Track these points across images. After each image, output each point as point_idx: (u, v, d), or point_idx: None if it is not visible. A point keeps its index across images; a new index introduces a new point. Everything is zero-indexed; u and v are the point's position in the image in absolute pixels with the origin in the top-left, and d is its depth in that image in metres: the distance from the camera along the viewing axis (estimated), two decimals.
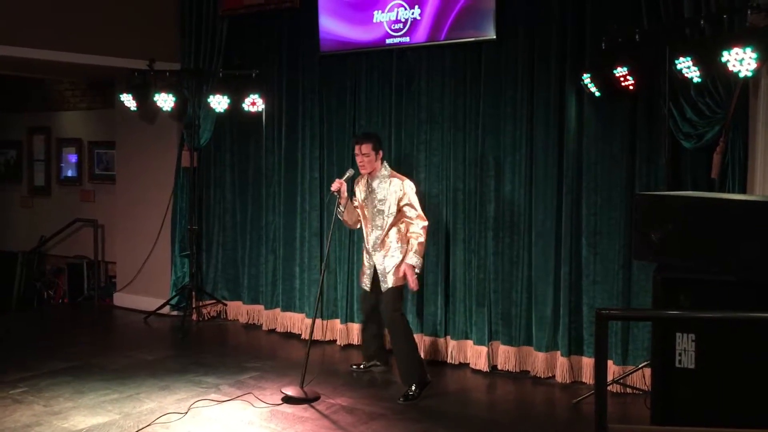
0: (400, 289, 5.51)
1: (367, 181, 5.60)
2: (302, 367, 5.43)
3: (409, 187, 5.49)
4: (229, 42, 7.52)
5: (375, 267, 5.57)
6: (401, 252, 5.45)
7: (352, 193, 5.80)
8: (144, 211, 8.18)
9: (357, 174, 5.71)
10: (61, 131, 9.77)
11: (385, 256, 5.49)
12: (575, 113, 5.74)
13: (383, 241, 5.50)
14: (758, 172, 4.71)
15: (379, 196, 5.51)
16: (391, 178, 5.51)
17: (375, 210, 5.52)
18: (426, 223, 5.45)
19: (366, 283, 5.70)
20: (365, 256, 5.70)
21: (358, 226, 5.78)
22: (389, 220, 5.46)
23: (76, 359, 6.28)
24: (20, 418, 4.98)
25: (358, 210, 5.69)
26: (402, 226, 5.50)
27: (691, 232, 3.18)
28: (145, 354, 6.51)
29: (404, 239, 5.48)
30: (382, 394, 5.49)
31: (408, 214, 5.42)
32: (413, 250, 5.36)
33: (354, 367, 6.08)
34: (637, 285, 5.51)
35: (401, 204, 5.44)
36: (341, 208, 5.61)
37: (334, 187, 5.54)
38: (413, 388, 5.36)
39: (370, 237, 5.58)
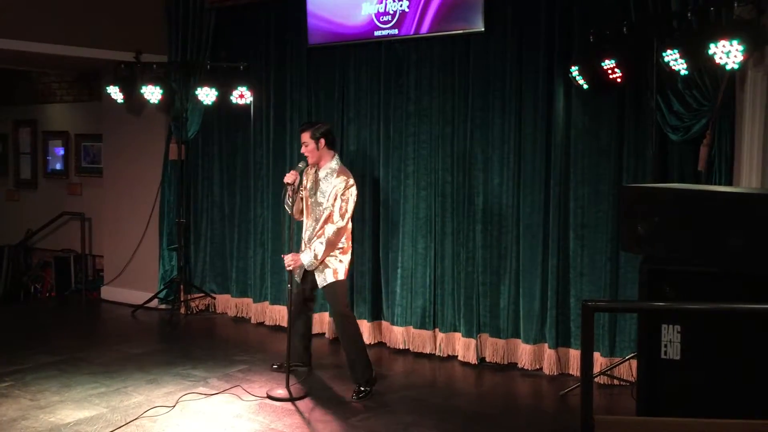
0: (342, 284, 5.35)
1: (315, 171, 5.46)
2: (288, 365, 5.42)
3: (350, 188, 5.28)
4: (216, 34, 7.47)
5: None
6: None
7: (299, 183, 5.58)
8: (131, 205, 8.14)
9: (307, 165, 5.53)
10: (47, 124, 9.70)
11: None
12: (563, 106, 5.74)
13: (318, 234, 5.32)
14: (744, 165, 4.74)
15: (321, 188, 5.35)
16: (338, 174, 5.31)
17: (316, 201, 5.37)
18: (339, 226, 5.20)
19: (299, 273, 5.52)
20: (303, 247, 5.48)
21: (302, 219, 5.59)
22: (326, 214, 5.29)
23: (63, 353, 6.25)
24: (6, 412, 4.95)
25: (302, 201, 5.51)
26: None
27: (677, 223, 3.19)
28: (133, 347, 6.48)
29: None
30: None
31: (333, 211, 5.25)
32: (312, 248, 5.22)
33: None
34: (624, 277, 5.53)
35: (335, 199, 5.26)
36: (289, 200, 5.41)
37: (290, 178, 5.32)
38: (363, 387, 5.30)
39: (308, 229, 5.44)
